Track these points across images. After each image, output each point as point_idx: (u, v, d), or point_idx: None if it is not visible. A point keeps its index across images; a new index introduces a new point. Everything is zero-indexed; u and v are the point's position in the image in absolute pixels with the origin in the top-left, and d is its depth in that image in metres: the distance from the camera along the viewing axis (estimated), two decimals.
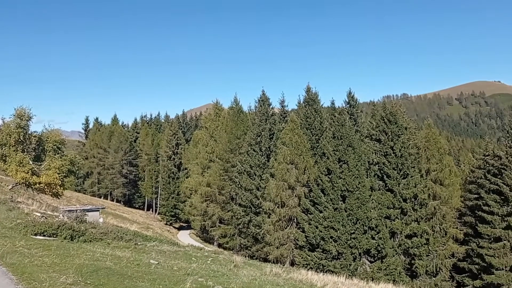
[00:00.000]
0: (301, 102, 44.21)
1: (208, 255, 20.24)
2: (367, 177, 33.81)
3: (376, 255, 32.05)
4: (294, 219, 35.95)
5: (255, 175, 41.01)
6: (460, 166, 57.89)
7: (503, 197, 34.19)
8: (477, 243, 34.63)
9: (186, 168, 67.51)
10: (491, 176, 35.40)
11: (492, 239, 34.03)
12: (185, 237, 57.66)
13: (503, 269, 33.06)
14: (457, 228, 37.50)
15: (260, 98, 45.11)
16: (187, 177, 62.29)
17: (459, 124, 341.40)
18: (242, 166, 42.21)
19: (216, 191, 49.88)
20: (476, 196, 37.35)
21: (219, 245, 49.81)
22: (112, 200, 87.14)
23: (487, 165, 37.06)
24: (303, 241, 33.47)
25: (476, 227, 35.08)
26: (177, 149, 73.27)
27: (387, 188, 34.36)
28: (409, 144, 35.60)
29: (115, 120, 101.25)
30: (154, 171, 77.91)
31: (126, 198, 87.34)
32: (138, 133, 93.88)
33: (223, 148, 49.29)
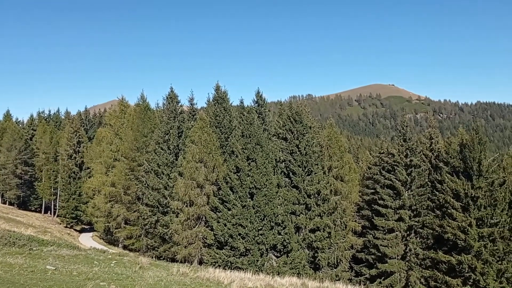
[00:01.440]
0: (211, 100, 44.17)
1: (112, 257, 19.42)
2: (274, 175, 34.70)
3: (282, 250, 33.09)
4: (202, 218, 35.81)
5: (163, 174, 40.17)
6: (358, 163, 61.99)
7: (395, 192, 37.16)
8: (373, 235, 37.27)
9: (88, 168, 64.14)
10: (385, 172, 38.27)
11: (386, 230, 36.85)
12: (88, 240, 54.80)
13: (395, 258, 35.98)
14: (355, 221, 40.10)
15: (168, 95, 44.25)
16: (89, 177, 59.25)
17: (358, 124, 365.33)
18: (149, 165, 41.11)
19: (122, 191, 48.05)
20: (372, 191, 40.15)
21: (125, 247, 48.05)
22: (4, 203, 79.97)
23: (382, 162, 39.98)
24: (212, 239, 33.51)
25: (373, 219, 37.71)
26: (79, 148, 69.37)
27: (293, 184, 35.62)
28: (313, 143, 37.20)
29: (7, 116, 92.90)
30: (53, 171, 72.76)
31: (20, 201, 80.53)
32: (35, 130, 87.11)
33: (129, 146, 47.60)
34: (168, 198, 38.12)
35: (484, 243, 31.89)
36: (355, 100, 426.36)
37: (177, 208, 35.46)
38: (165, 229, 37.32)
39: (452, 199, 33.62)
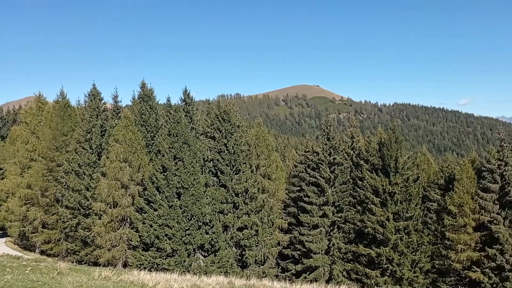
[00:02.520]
0: (136, 98, 42.82)
1: (27, 264, 18.17)
2: (202, 174, 34.44)
3: (209, 249, 32.94)
4: (127, 219, 34.66)
5: (85, 174, 38.28)
6: (285, 162, 63.36)
7: (320, 189, 38.40)
8: (299, 231, 38.26)
9: (1, 169, 59.55)
10: (311, 170, 39.42)
11: (311, 226, 37.99)
12: (0, 246, 50.85)
13: (319, 253, 37.21)
14: (282, 218, 40.90)
15: (91, 92, 42.20)
16: (2, 179, 55.00)
17: (285, 123, 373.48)
18: (70, 165, 38.99)
19: (39, 193, 45.08)
20: (298, 188, 41.17)
21: (42, 252, 45.16)
22: None
23: (307, 160, 41.13)
24: (137, 241, 32.54)
25: (298, 216, 38.69)
26: None
27: (221, 183, 35.58)
28: (241, 142, 37.41)
29: None
30: None
31: None
32: None
33: (47, 145, 44.77)
34: (90, 199, 36.39)
35: (400, 235, 33.98)
36: (282, 100, 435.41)
37: (100, 210, 33.98)
38: (87, 232, 35.62)
39: (371, 195, 35.43)
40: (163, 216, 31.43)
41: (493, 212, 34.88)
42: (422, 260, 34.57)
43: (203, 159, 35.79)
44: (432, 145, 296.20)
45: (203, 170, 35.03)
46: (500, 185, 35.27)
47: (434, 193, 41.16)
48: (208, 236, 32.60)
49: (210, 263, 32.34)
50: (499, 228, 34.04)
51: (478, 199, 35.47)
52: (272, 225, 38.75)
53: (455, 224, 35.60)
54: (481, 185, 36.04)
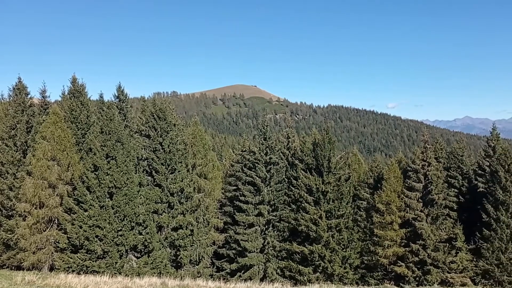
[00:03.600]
0: (66, 93, 40.79)
1: None
2: (136, 173, 33.54)
3: (143, 250, 32.15)
4: (55, 220, 32.94)
5: (8, 173, 35.89)
6: (222, 161, 63.33)
7: (256, 188, 38.75)
8: (235, 230, 38.38)
9: None
10: (247, 170, 39.66)
11: (246, 225, 38.25)
12: None
13: (254, 252, 37.56)
14: (218, 217, 40.79)
15: (16, 86, 39.58)
16: None
17: (223, 123, 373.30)
18: None
19: None
20: (234, 187, 41.27)
21: None
22: None
23: (244, 160, 41.33)
24: (65, 243, 31.05)
25: (234, 215, 38.79)
26: None
27: (156, 183, 34.87)
28: (177, 140, 36.87)
29: None
30: None
31: None
32: None
33: None
34: (13, 200, 34.19)
35: (332, 233, 35.14)
36: (220, 99, 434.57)
37: (24, 211, 31.99)
38: (10, 234, 33.42)
39: (305, 194, 36.33)
40: (93, 216, 30.24)
41: (417, 210, 37.07)
42: (352, 256, 35.97)
43: (137, 158, 34.87)
44: (363, 146, 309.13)
45: (137, 169, 34.13)
46: (423, 184, 37.53)
47: (364, 192, 43.03)
48: (142, 236, 31.81)
49: (143, 264, 31.57)
50: (422, 225, 36.24)
51: (404, 197, 37.52)
52: (208, 224, 38.58)
53: (383, 221, 37.42)
54: (406, 184, 38.15)
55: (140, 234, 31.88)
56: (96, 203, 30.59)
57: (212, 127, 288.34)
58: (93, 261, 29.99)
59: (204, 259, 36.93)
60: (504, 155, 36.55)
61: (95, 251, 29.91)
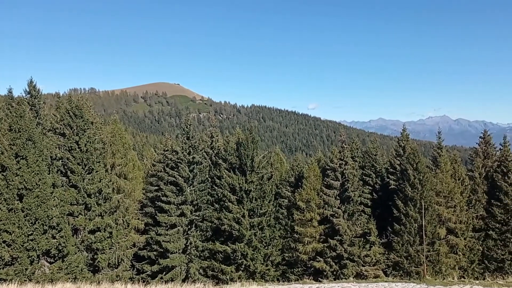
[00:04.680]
0: None
1: None
2: (49, 173, 31.49)
3: (57, 255, 30.28)
4: None
5: None
6: (143, 161, 61.55)
7: (178, 188, 38.19)
8: (156, 231, 37.53)
9: None
10: (169, 169, 38.96)
11: (168, 226, 37.56)
12: None
13: (176, 252, 36.99)
14: (139, 219, 39.65)
15: None
16: None
17: (144, 121, 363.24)
18: None
19: None
20: (156, 188, 40.36)
21: None
22: None
23: (166, 159, 40.58)
24: None
25: (156, 216, 37.93)
26: None
27: (71, 184, 33.04)
28: (95, 139, 35.24)
29: None
30: None
31: None
32: None
33: None
34: None
35: (254, 231, 35.60)
36: (141, 97, 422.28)
37: None
38: None
39: (229, 193, 36.44)
40: (1, 220, 27.94)
41: (335, 207, 38.68)
42: (273, 254, 36.71)
43: (51, 157, 32.79)
44: (285, 145, 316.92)
45: (50, 169, 32.07)
46: (341, 182, 39.24)
47: (286, 190, 44.12)
48: (55, 240, 29.96)
49: (57, 269, 29.75)
50: (340, 221, 37.90)
51: (323, 195, 38.97)
52: (128, 226, 37.33)
53: (303, 218, 38.59)
54: (325, 182, 39.66)
55: (54, 238, 30.01)
56: (4, 206, 28.31)
57: (133, 126, 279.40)
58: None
59: (124, 261, 35.67)
60: (413, 155, 39.27)
61: (2, 258, 27.68)
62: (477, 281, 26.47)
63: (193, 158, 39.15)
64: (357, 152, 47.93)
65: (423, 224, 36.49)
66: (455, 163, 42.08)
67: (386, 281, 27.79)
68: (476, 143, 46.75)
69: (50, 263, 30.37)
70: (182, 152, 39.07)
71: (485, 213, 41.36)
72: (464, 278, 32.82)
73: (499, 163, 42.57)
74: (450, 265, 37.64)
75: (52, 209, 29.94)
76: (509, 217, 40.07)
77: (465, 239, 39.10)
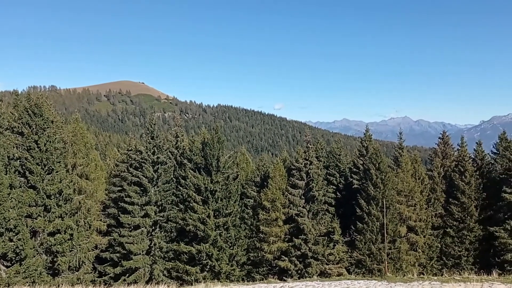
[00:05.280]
0: None
1: None
2: (6, 174, 30.35)
3: (14, 258, 29.21)
4: None
5: None
6: (106, 161, 60.23)
7: (142, 188, 37.60)
8: (119, 233, 36.79)
9: None
10: (133, 169, 38.30)
11: (132, 227, 36.90)
12: None
13: (140, 254, 36.38)
14: (101, 220, 38.77)
15: None
16: None
17: (107, 120, 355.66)
18: None
19: None
20: (119, 188, 39.57)
21: None
22: None
23: (130, 159, 39.86)
24: None
25: (119, 217, 37.18)
26: None
27: (30, 184, 31.94)
28: (55, 138, 34.18)
29: None
30: None
31: None
32: None
33: None
34: None
35: (220, 231, 35.49)
36: (104, 95, 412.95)
37: None
38: None
39: (194, 193, 36.18)
40: None
41: (300, 206, 39.07)
42: (239, 254, 36.71)
43: (8, 157, 31.57)
44: (251, 145, 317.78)
45: (7, 169, 30.89)
46: (305, 181, 39.67)
47: (251, 190, 44.19)
48: (13, 243, 28.89)
49: (14, 273, 28.68)
50: (304, 220, 38.31)
51: (288, 194, 39.28)
52: (90, 228, 36.43)
53: (268, 218, 38.78)
54: (290, 182, 40.00)
55: (11, 240, 28.94)
56: None
57: (96, 125, 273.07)
58: None
59: (85, 264, 34.77)
60: (375, 155, 40.17)
61: None
62: (435, 277, 27.31)
63: (158, 158, 38.63)
64: (322, 152, 48.63)
65: (385, 222, 37.39)
66: (415, 163, 43.29)
67: (348, 279, 28.25)
68: (435, 144, 48.33)
69: (7, 266, 29.27)
70: (146, 152, 38.50)
71: (443, 211, 42.80)
72: (423, 275, 33.77)
73: (456, 163, 44.16)
74: (410, 262, 38.72)
75: (9, 211, 28.86)
76: (466, 215, 41.62)
77: (424, 236, 40.30)
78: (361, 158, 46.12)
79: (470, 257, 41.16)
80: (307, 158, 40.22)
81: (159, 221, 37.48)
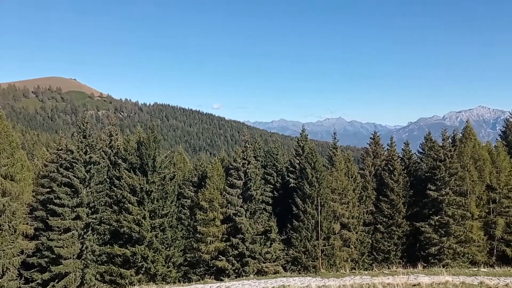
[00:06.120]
0: None
1: None
2: None
3: None
4: None
5: None
6: (33, 161, 56.91)
7: (73, 189, 36.01)
8: (48, 236, 34.96)
9: None
10: (64, 170, 36.58)
11: (62, 230, 35.20)
12: None
13: (71, 258, 34.80)
14: (28, 223, 36.58)
15: None
16: None
17: (35, 118, 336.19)
18: None
19: None
20: (48, 190, 37.61)
21: None
22: None
23: (60, 159, 38.02)
24: None
25: (48, 220, 35.36)
26: None
27: None
28: None
29: None
30: None
31: None
32: None
33: None
34: None
35: (156, 233, 34.80)
36: (32, 92, 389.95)
37: None
38: None
39: (129, 194, 35.19)
40: None
41: (238, 206, 39.19)
42: (175, 255, 36.19)
43: None
44: (188, 145, 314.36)
45: None
46: (243, 181, 39.86)
47: (189, 190, 43.74)
48: None
49: None
50: (242, 219, 38.48)
51: (226, 194, 39.27)
52: (15, 232, 34.25)
53: (206, 218, 38.53)
54: (228, 182, 40.01)
55: None
56: None
57: (23, 123, 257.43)
58: None
59: (10, 270, 32.67)
60: (311, 154, 41.21)
61: None
62: (366, 272, 28.60)
63: (90, 158, 37.18)
64: (260, 151, 49.15)
65: (319, 220, 38.48)
66: (348, 162, 44.95)
67: (284, 276, 28.83)
68: (367, 144, 50.43)
69: None
70: (78, 152, 36.92)
71: (374, 208, 44.78)
72: (355, 270, 35.21)
73: (386, 162, 46.38)
74: (343, 258, 40.13)
75: None
76: (394, 212, 43.82)
77: (356, 233, 41.93)
78: (297, 157, 47.13)
79: (398, 252, 43.38)
80: (245, 157, 40.43)
81: (91, 223, 36.05)
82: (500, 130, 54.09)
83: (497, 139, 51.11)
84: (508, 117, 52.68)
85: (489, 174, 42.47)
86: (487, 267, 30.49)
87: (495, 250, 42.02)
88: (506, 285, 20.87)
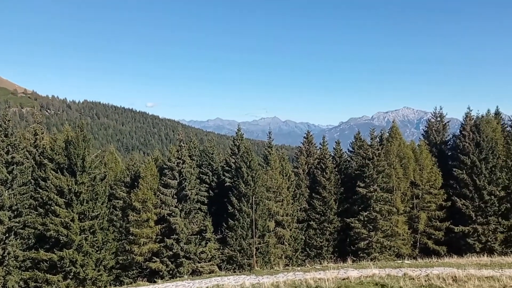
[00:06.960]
0: None
1: None
2: None
3: None
4: None
5: None
6: None
7: None
8: None
9: None
10: None
11: None
12: None
13: None
14: None
15: None
16: None
17: None
18: None
19: None
20: None
21: None
22: None
23: None
24: None
25: None
26: None
27: None
28: None
29: None
30: None
31: None
32: None
33: None
34: None
35: (85, 236, 33.37)
36: None
37: None
38: None
39: (56, 196, 33.46)
40: None
41: (172, 206, 38.62)
42: (106, 258, 34.92)
43: None
44: (121, 144, 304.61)
45: None
46: (178, 181, 39.33)
47: (121, 191, 42.41)
48: None
49: None
50: (176, 220, 37.96)
51: (160, 194, 38.55)
52: None
53: (139, 219, 37.59)
54: (162, 182, 39.29)
55: None
56: None
57: None
58: None
59: None
60: (247, 153, 41.51)
61: None
62: (299, 268, 29.25)
63: (13, 158, 34.91)
64: (195, 151, 48.72)
65: (254, 218, 38.87)
66: (283, 161, 45.80)
67: (219, 276, 28.75)
68: (301, 143, 51.68)
69: None
70: None
71: (307, 206, 46.00)
72: (289, 266, 35.92)
73: (319, 160, 47.81)
74: (278, 255, 40.87)
75: None
76: (326, 208, 45.27)
77: (290, 230, 42.86)
78: (233, 156, 47.26)
79: (330, 247, 44.88)
80: (180, 157, 39.90)
81: (14, 227, 33.81)
82: (423, 129, 57.55)
83: (420, 138, 54.40)
84: (430, 117, 56.20)
85: (413, 171, 45.09)
86: (411, 259, 32.34)
87: (418, 243, 44.71)
88: (427, 275, 22.26)
